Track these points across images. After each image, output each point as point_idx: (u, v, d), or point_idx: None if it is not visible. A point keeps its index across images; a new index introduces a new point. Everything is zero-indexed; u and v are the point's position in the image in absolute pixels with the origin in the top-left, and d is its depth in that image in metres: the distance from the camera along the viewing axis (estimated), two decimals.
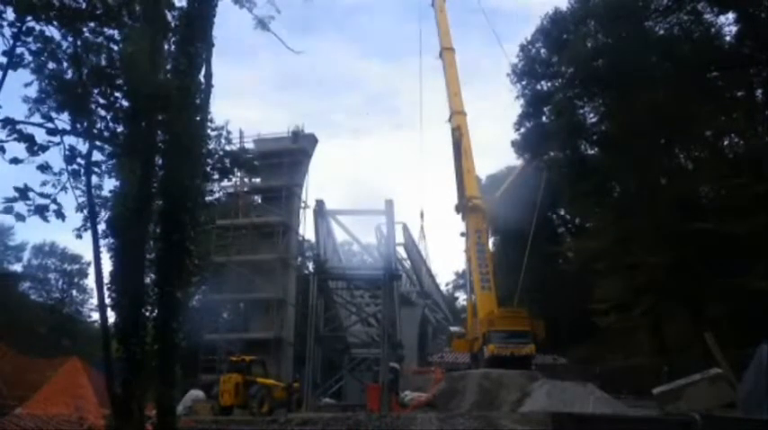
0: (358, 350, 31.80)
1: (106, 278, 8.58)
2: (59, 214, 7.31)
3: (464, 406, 21.31)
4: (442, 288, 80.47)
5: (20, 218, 6.92)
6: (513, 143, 42.81)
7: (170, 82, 8.86)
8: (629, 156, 27.16)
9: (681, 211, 24.72)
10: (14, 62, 7.20)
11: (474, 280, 29.48)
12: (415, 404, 24.00)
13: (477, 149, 31.31)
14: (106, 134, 8.38)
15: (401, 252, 42.42)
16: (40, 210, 7.14)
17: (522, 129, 40.41)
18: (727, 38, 29.59)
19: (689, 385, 18.63)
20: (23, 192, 6.96)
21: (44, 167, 7.40)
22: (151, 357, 8.66)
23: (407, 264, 44.18)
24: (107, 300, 8.57)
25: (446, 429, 14.65)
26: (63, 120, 7.79)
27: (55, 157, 7.54)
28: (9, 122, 7.00)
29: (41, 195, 7.16)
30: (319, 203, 27.90)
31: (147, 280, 8.99)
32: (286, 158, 40.53)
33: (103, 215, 8.73)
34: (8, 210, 6.87)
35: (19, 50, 7.26)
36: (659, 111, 26.82)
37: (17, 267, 57.72)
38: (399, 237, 42.44)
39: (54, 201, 7.27)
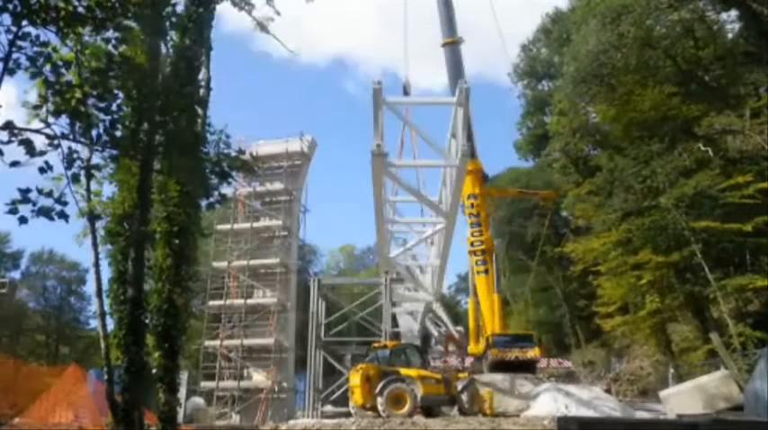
0: (360, 354, 31.61)
1: (105, 285, 8.45)
2: (62, 215, 7.13)
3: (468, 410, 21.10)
4: (445, 291, 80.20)
5: (23, 221, 6.74)
6: (515, 143, 42.89)
7: (169, 85, 8.75)
8: (632, 156, 27.08)
9: (685, 211, 24.59)
10: (11, 68, 7.03)
11: (478, 283, 29.22)
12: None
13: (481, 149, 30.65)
14: (105, 138, 8.23)
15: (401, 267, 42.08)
16: (45, 212, 6.95)
17: (524, 130, 40.53)
18: (730, 35, 29.60)
19: (695, 387, 18.50)
20: (26, 193, 6.77)
21: (44, 170, 7.23)
22: (151, 365, 8.53)
23: (408, 279, 43.68)
24: (106, 307, 8.44)
25: None
26: (61, 126, 7.64)
27: (55, 160, 7.40)
28: (9, 126, 6.84)
29: (48, 194, 6.98)
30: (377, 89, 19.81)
31: (147, 286, 8.85)
32: (286, 162, 40.44)
33: (103, 221, 8.61)
34: (13, 212, 6.69)
35: (16, 56, 7.10)
36: (662, 109, 26.74)
37: (15, 274, 57.55)
38: None
39: (58, 200, 7.08)
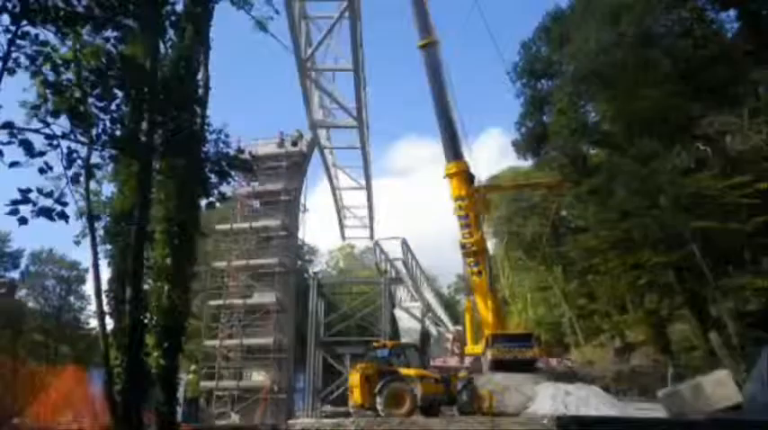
0: (359, 353, 31.60)
1: (105, 285, 8.45)
2: (63, 215, 7.12)
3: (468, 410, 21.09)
4: (444, 290, 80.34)
5: (23, 221, 6.72)
6: (514, 143, 42.77)
7: (168, 84, 8.75)
8: (631, 155, 27.06)
9: (684, 210, 24.58)
10: (10, 68, 7.03)
11: (473, 284, 29.18)
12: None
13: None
14: (104, 138, 8.23)
15: (401, 267, 42.09)
16: (46, 212, 6.94)
17: (523, 129, 40.42)
18: (729, 35, 29.57)
19: (694, 386, 18.47)
20: (26, 194, 6.76)
21: (44, 170, 7.22)
22: (151, 364, 8.52)
23: (407, 279, 43.70)
24: (106, 307, 8.43)
25: None
26: (61, 126, 7.63)
27: (55, 160, 7.38)
28: (9, 126, 6.83)
29: (48, 195, 6.97)
30: None
31: (147, 286, 8.83)
32: (284, 162, 40.38)
33: (102, 221, 8.60)
34: (14, 212, 6.68)
35: (15, 55, 7.08)
36: (661, 109, 26.72)
37: (15, 274, 57.45)
38: (399, 253, 42.20)
39: (58, 200, 7.07)
